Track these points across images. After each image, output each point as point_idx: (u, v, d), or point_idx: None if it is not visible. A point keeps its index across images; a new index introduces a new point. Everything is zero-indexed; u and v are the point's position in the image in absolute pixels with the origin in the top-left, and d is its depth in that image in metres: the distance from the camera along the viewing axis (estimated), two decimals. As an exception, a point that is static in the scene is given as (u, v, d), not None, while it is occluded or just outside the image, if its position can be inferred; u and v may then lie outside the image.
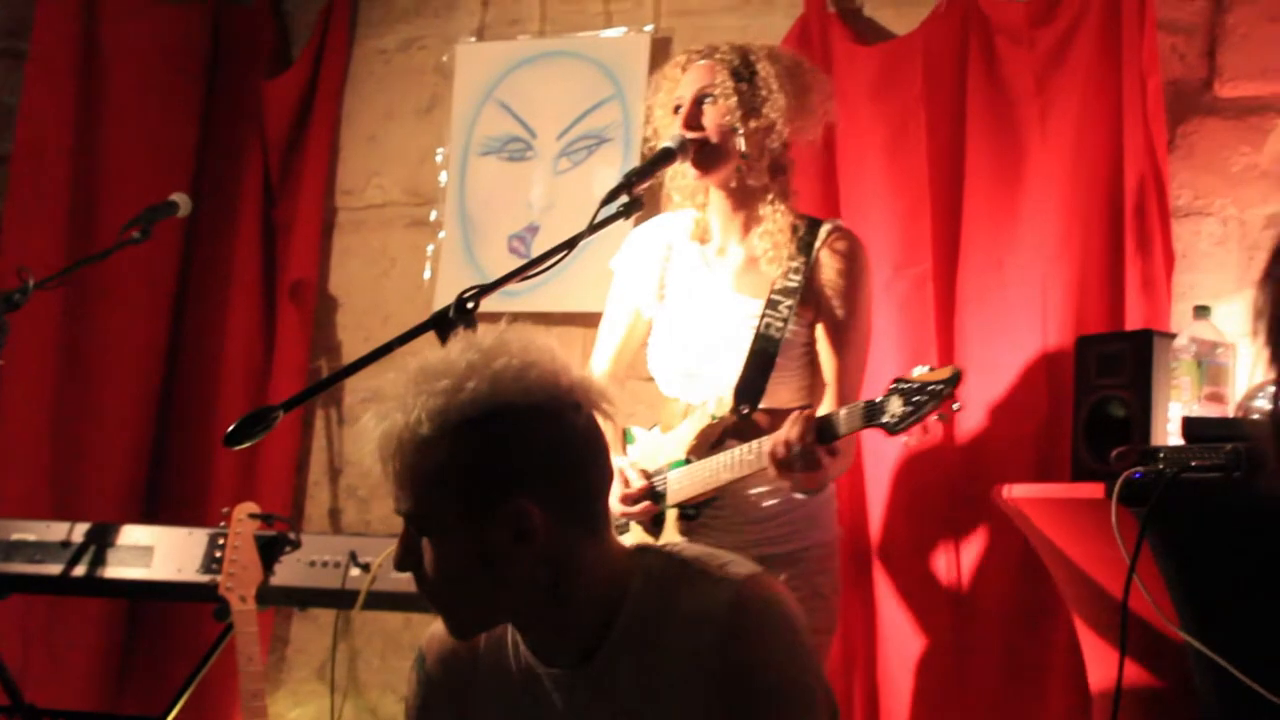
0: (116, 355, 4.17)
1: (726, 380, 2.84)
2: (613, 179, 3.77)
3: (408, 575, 2.66)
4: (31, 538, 3.32)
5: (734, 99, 2.84)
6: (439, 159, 4.15)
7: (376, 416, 1.74)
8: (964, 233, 3.47)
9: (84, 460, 4.11)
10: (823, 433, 2.53)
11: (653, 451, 2.93)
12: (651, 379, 3.05)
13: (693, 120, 2.86)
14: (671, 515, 2.87)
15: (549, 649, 1.82)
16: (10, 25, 4.35)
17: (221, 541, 3.08)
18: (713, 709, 1.72)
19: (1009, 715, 3.29)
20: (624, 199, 2.75)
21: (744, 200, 2.90)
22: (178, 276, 4.28)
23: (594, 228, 2.66)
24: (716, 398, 2.83)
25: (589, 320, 3.83)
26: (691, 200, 3.00)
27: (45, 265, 3.53)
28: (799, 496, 2.75)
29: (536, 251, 3.83)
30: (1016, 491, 2.88)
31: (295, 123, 4.26)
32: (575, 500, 1.76)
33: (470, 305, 2.43)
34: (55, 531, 3.32)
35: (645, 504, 2.84)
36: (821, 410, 2.75)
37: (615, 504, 2.78)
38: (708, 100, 2.86)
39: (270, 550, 3.10)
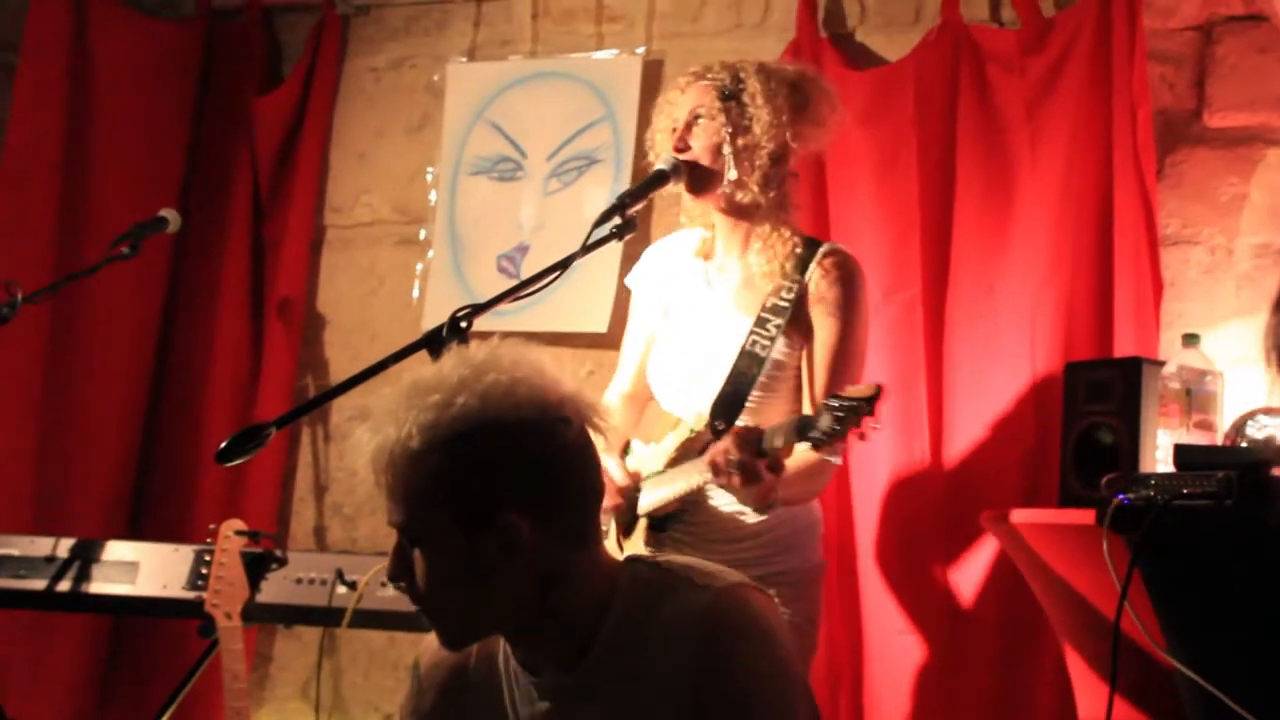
0: (103, 370, 4.15)
1: (713, 396, 2.84)
2: (603, 200, 3.78)
3: (394, 594, 2.68)
4: (15, 553, 3.30)
5: (720, 118, 2.84)
6: (429, 178, 4.15)
7: (370, 430, 1.77)
8: (954, 258, 3.49)
9: (69, 475, 4.09)
10: (757, 445, 2.51)
11: (640, 463, 2.93)
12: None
13: (683, 142, 2.87)
14: (642, 526, 2.85)
15: (538, 658, 1.85)
16: (0, 38, 4.34)
17: (208, 558, 3.07)
18: (691, 714, 1.75)
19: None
20: (617, 220, 2.75)
21: (741, 217, 2.90)
22: (166, 292, 4.26)
23: (587, 249, 2.67)
24: (696, 413, 2.83)
25: (578, 341, 3.85)
26: (700, 220, 3.00)
27: (33, 279, 3.51)
28: (761, 516, 2.72)
29: (526, 271, 3.84)
30: (1006, 517, 2.88)
31: (285, 140, 4.25)
32: (565, 513, 1.79)
33: (464, 324, 2.42)
34: (40, 547, 3.30)
35: (616, 500, 2.83)
36: None
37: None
38: (699, 121, 2.86)
39: (256, 567, 3.09)
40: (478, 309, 2.46)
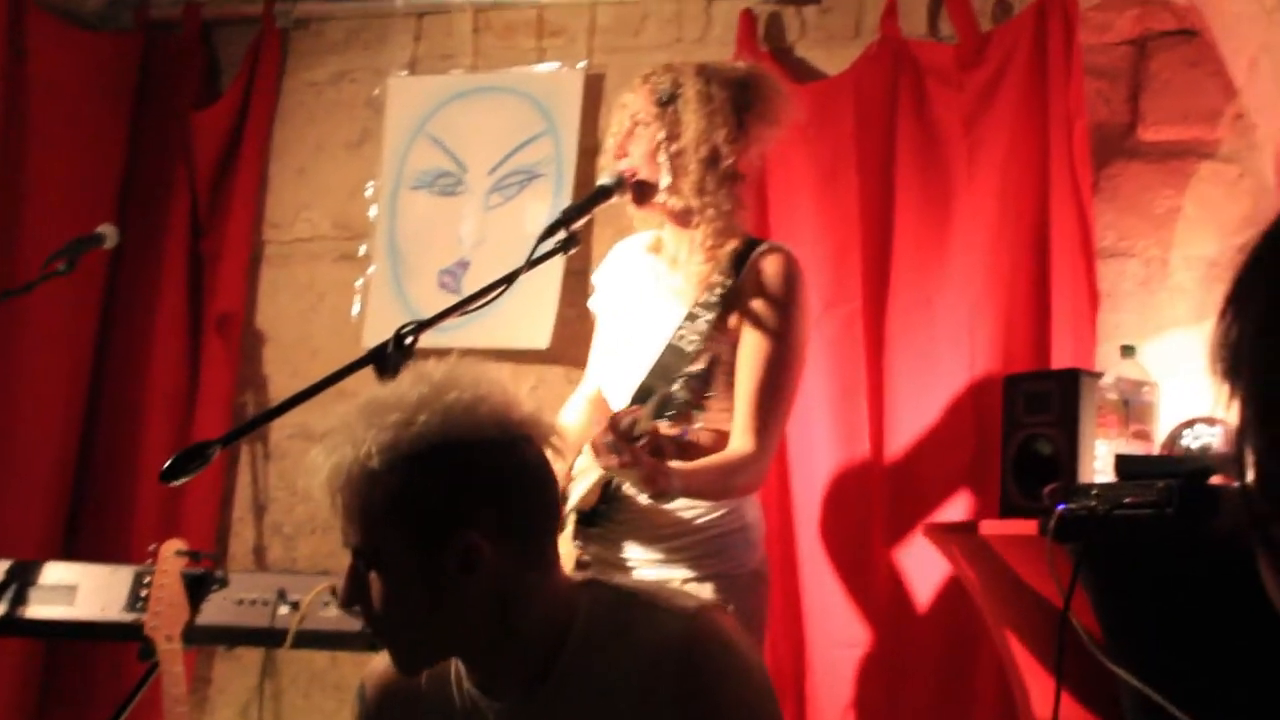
0: (37, 389, 4.08)
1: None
2: (544, 214, 3.80)
3: (336, 613, 2.64)
4: (-52, 577, 3.23)
5: (655, 125, 2.83)
6: (369, 193, 4.13)
7: (325, 450, 1.74)
8: (893, 271, 3.51)
9: (2, 496, 4.02)
10: (629, 428, 2.42)
11: (581, 461, 2.91)
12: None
13: (623, 150, 2.86)
14: (571, 521, 2.80)
15: (495, 682, 1.82)
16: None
17: (147, 579, 3.01)
18: None
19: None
20: (561, 235, 2.74)
21: (684, 223, 2.87)
22: (101, 308, 4.21)
23: (531, 263, 2.65)
24: (622, 407, 2.80)
25: (520, 357, 3.83)
26: (653, 224, 2.98)
27: (-35, 297, 3.45)
28: (687, 512, 2.71)
29: (467, 287, 3.82)
30: (945, 527, 2.90)
31: (224, 154, 4.21)
32: (524, 534, 1.77)
33: (409, 340, 2.41)
34: (-27, 570, 3.25)
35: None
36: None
37: None
38: (636, 129, 2.86)
39: (197, 588, 3.04)
40: (423, 325, 2.45)
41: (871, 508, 3.41)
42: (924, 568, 3.34)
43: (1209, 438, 2.75)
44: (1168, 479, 2.03)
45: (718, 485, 2.72)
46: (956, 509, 3.29)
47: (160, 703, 2.90)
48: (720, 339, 2.79)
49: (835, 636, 3.41)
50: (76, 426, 4.16)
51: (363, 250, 4.10)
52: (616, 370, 2.92)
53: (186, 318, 4.16)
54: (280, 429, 4.07)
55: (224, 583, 3.07)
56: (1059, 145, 3.35)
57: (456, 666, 1.86)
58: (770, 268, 2.81)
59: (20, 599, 3.19)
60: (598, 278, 3.10)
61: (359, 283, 4.08)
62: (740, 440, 2.74)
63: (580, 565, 2.74)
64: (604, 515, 2.77)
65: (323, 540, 4.00)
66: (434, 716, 1.87)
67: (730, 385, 2.79)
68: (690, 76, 2.85)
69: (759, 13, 3.80)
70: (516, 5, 4.08)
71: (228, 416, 4.05)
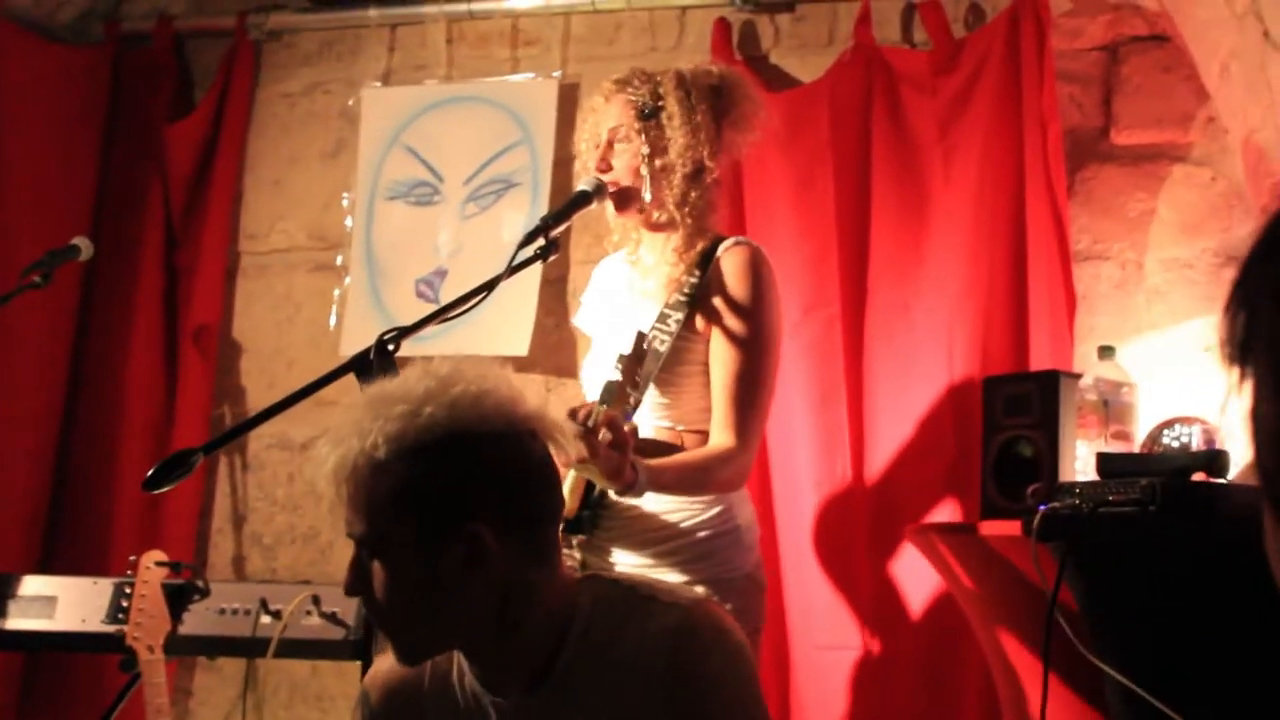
0: (12, 402, 4.05)
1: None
2: (521, 223, 3.81)
3: (319, 622, 2.63)
4: (-74, 591, 3.21)
5: (639, 140, 2.82)
6: (345, 203, 4.12)
7: (331, 441, 1.75)
8: (871, 276, 3.53)
9: (-21, 509, 4.00)
10: (585, 419, 2.45)
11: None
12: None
13: (604, 163, 2.85)
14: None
15: (497, 678, 1.83)
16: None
17: (128, 590, 3.00)
18: None
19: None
20: (540, 242, 2.74)
21: (662, 229, 2.88)
22: (76, 322, 4.19)
23: (512, 270, 2.65)
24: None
25: (499, 365, 3.82)
26: (626, 230, 2.98)
27: (-61, 311, 3.43)
28: (674, 516, 2.71)
29: (444, 296, 3.83)
30: (928, 530, 2.92)
31: (198, 166, 4.20)
32: (528, 526, 1.78)
33: (391, 347, 2.40)
34: (-49, 584, 3.22)
35: None
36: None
37: None
38: (619, 141, 2.85)
39: (178, 599, 3.03)
40: (405, 331, 2.44)
41: (852, 511, 3.42)
42: (906, 570, 3.35)
43: (1188, 437, 2.78)
44: (1150, 477, 2.04)
45: (693, 480, 2.70)
46: (937, 511, 3.31)
47: (142, 714, 2.89)
48: (691, 337, 2.78)
49: (817, 639, 3.43)
50: (53, 440, 4.13)
51: (339, 261, 4.09)
52: (593, 373, 2.92)
53: (162, 330, 4.15)
54: (259, 439, 4.06)
55: (205, 593, 3.06)
56: (1033, 150, 3.38)
57: (459, 663, 1.87)
58: (734, 262, 2.81)
59: (-1, 612, 3.17)
60: (585, 297, 3.10)
61: (336, 293, 4.07)
62: (719, 435, 2.74)
63: None
64: (589, 523, 2.75)
65: (303, 550, 3.99)
66: (437, 715, 1.88)
67: (706, 384, 2.78)
68: (671, 88, 2.84)
69: (733, 21, 3.81)
70: (490, 15, 4.09)
71: (205, 428, 4.04)
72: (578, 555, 2.74)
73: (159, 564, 3.00)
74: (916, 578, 3.32)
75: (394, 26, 4.18)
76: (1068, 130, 3.43)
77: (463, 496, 1.72)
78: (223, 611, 3.08)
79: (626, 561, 2.75)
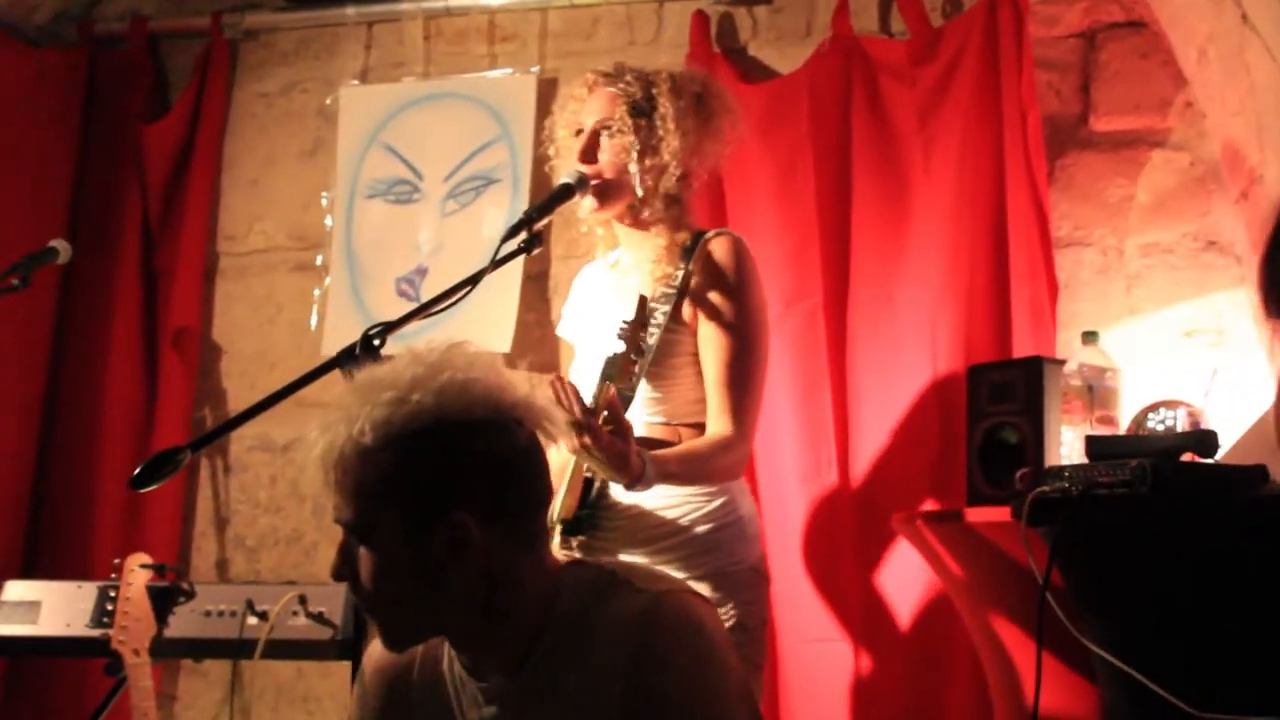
0: (-9, 407, 4.04)
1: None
2: (502, 220, 3.81)
3: (306, 622, 2.63)
4: (-93, 598, 3.18)
5: (631, 136, 2.79)
6: (324, 203, 4.10)
7: (320, 427, 1.75)
8: (853, 266, 3.53)
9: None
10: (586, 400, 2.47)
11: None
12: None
13: (589, 154, 2.82)
14: (556, 533, 2.78)
15: (482, 663, 1.84)
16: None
17: (112, 594, 2.98)
18: (624, 717, 1.74)
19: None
20: (524, 235, 2.73)
21: (641, 225, 2.87)
22: (54, 325, 4.16)
23: (496, 264, 2.64)
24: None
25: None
26: (600, 224, 2.96)
27: (-85, 316, 3.41)
28: (675, 510, 2.71)
29: (425, 294, 3.82)
30: (916, 519, 2.91)
31: (175, 168, 4.18)
32: (514, 515, 1.78)
33: (376, 342, 2.39)
34: (-68, 590, 3.20)
35: None
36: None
37: None
38: (605, 133, 2.82)
39: (163, 601, 3.01)
40: (390, 326, 2.43)
41: (839, 502, 3.42)
42: (893, 560, 3.35)
43: (1173, 420, 2.79)
44: (1140, 458, 2.04)
45: (696, 469, 2.69)
46: (924, 501, 3.30)
47: (129, 718, 2.87)
48: (679, 329, 2.78)
49: (805, 632, 3.42)
50: (32, 445, 4.10)
51: (319, 260, 4.08)
52: (581, 374, 2.90)
53: (142, 333, 4.12)
54: (240, 441, 4.05)
55: (191, 595, 3.05)
56: (1013, 137, 3.38)
57: (448, 649, 1.88)
58: (717, 252, 2.81)
59: (-18, 618, 3.15)
60: (566, 308, 3.09)
61: (317, 293, 4.05)
62: (716, 424, 2.73)
63: None
64: (588, 523, 2.73)
65: (286, 552, 3.97)
66: (427, 697, 1.89)
67: (696, 375, 2.78)
68: (664, 91, 2.82)
69: (711, 13, 3.81)
70: (467, 12, 4.07)
71: (187, 432, 4.01)
72: (578, 556, 2.70)
73: (143, 567, 2.99)
74: (904, 568, 3.32)
75: (371, 24, 4.17)
76: (1046, 117, 3.43)
77: (448, 484, 1.73)
78: (209, 614, 3.06)
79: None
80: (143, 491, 2.20)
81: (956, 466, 3.10)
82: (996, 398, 2.89)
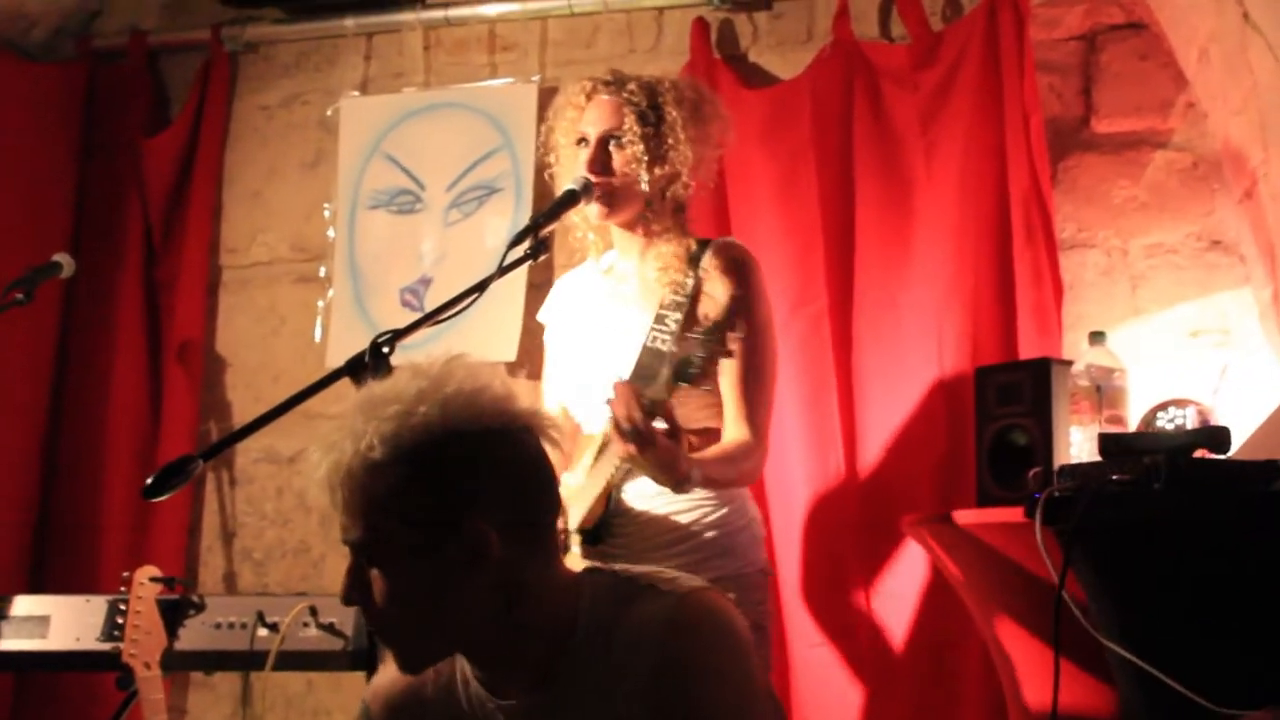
0: (-4, 422, 4.03)
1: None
2: (504, 229, 3.81)
3: (317, 633, 2.58)
4: (-83, 614, 3.18)
5: (640, 146, 2.80)
6: (326, 214, 4.10)
7: (323, 446, 1.71)
8: (858, 270, 3.53)
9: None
10: (639, 397, 2.49)
11: (564, 489, 2.89)
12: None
13: (598, 163, 2.82)
14: (576, 542, 2.78)
15: (501, 680, 1.80)
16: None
17: (122, 607, 2.97)
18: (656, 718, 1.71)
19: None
20: (530, 241, 2.73)
21: (641, 231, 2.88)
22: (58, 339, 4.16)
23: (503, 270, 2.64)
24: (607, 417, 2.78)
25: (487, 370, 3.81)
26: (596, 229, 2.97)
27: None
28: (688, 515, 2.72)
29: (430, 303, 3.81)
30: (925, 522, 2.91)
31: (176, 181, 4.18)
32: (528, 523, 1.76)
33: (385, 350, 2.39)
34: (-59, 607, 3.19)
35: None
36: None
37: None
38: (614, 143, 2.82)
39: (173, 614, 3.01)
40: (399, 334, 2.43)
41: (846, 505, 3.42)
42: (902, 564, 3.35)
43: (1183, 419, 2.79)
44: (1153, 455, 2.04)
45: (730, 473, 2.73)
46: (931, 503, 3.30)
47: (140, 731, 2.87)
48: (691, 337, 2.78)
49: (813, 636, 3.42)
50: (38, 459, 4.10)
51: (322, 272, 4.07)
52: (590, 388, 2.89)
53: (145, 346, 4.12)
54: (246, 453, 4.04)
55: (201, 607, 3.05)
56: (1015, 140, 3.38)
57: (462, 668, 1.83)
58: (726, 258, 2.82)
59: (-8, 633, 3.14)
60: (544, 315, 3.09)
61: (320, 304, 4.05)
62: (735, 429, 2.76)
63: None
64: (609, 531, 2.75)
65: (294, 564, 3.96)
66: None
67: (708, 381, 2.78)
68: (670, 99, 2.84)
69: (711, 20, 3.81)
70: (467, 21, 4.08)
71: (192, 444, 4.00)
72: (593, 564, 2.71)
73: (153, 580, 2.98)
74: (913, 571, 3.32)
75: (370, 35, 4.17)
76: (1048, 120, 3.44)
77: (461, 496, 1.69)
78: (219, 626, 3.06)
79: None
80: (153, 501, 2.19)
81: (964, 468, 3.11)
82: (1005, 400, 2.89)
